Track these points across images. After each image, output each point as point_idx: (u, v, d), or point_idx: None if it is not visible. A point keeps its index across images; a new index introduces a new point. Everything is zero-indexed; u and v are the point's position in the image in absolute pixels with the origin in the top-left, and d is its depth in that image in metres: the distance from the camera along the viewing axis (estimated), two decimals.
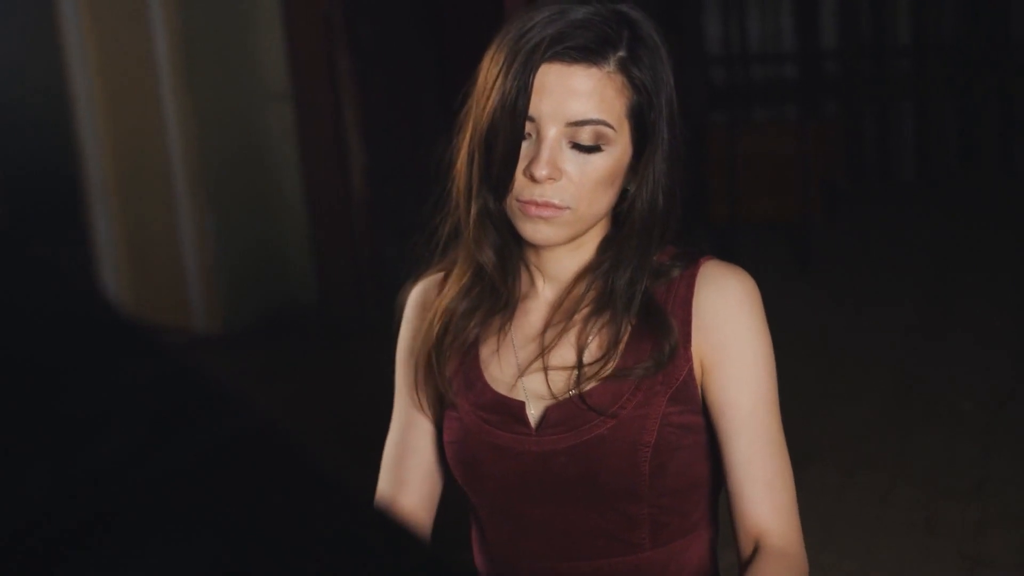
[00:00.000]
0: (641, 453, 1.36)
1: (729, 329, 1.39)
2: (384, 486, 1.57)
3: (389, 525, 0.60)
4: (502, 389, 1.45)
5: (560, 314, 1.44)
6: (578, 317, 1.43)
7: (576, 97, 1.33)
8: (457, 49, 5.80)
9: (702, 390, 1.41)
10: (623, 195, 1.41)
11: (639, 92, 1.36)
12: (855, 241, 6.88)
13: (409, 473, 1.55)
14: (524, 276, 1.48)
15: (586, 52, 1.33)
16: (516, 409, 1.43)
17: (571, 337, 1.43)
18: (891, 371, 4.72)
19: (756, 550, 1.36)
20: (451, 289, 1.49)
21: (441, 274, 1.54)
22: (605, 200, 1.38)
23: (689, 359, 1.40)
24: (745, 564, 1.36)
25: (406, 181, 5.65)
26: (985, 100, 8.04)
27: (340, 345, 5.43)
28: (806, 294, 5.92)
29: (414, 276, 1.58)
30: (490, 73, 1.36)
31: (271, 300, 5.94)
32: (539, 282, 1.47)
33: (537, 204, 1.34)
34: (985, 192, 7.80)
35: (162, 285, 5.85)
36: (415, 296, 1.57)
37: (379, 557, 0.57)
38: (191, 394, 0.61)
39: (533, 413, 1.42)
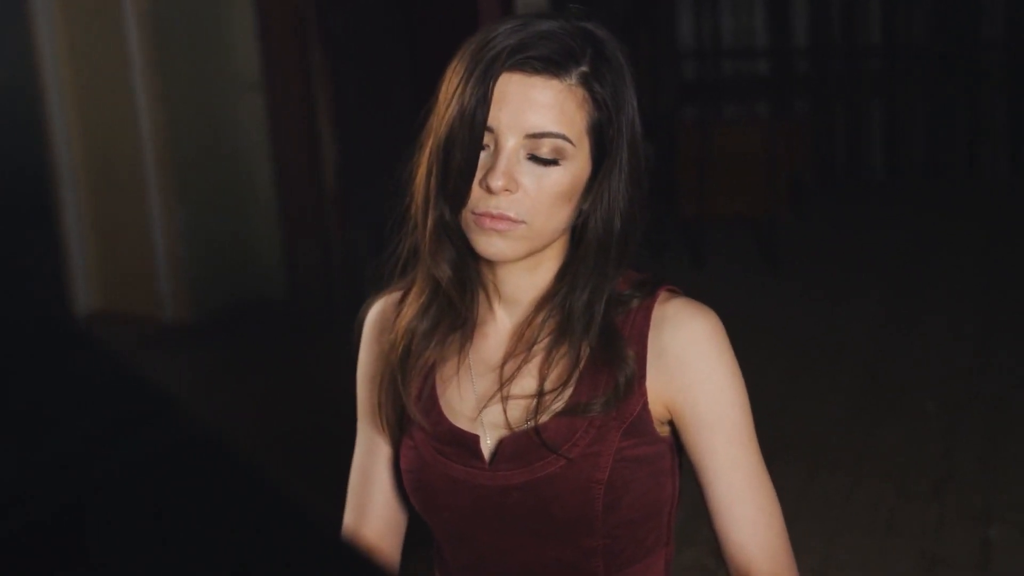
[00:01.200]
0: (595, 490, 1.35)
1: (694, 372, 1.37)
2: (349, 514, 1.55)
3: (325, 530, 0.62)
4: (458, 420, 1.43)
5: (520, 344, 1.41)
6: (537, 348, 1.40)
7: (536, 108, 1.30)
8: (431, 42, 5.80)
9: (679, 432, 1.40)
10: (580, 214, 1.38)
11: (600, 108, 1.33)
12: (823, 238, 6.92)
13: (372, 501, 1.54)
14: (482, 299, 1.45)
15: (548, 63, 1.30)
16: (471, 442, 1.41)
17: (530, 368, 1.40)
18: (857, 368, 4.76)
19: None
20: (410, 308, 1.45)
21: (399, 293, 1.50)
22: (561, 216, 1.35)
23: (644, 394, 1.37)
24: None
25: (378, 174, 5.64)
26: (954, 100, 8.10)
27: (309, 337, 5.43)
28: (773, 291, 5.96)
29: (371, 295, 1.55)
30: (451, 84, 1.33)
31: (241, 291, 5.93)
32: (496, 306, 1.44)
33: (492, 216, 1.31)
34: (952, 191, 7.87)
35: (132, 275, 5.83)
36: (372, 316, 1.54)
37: (311, 558, 0.59)
38: (138, 401, 0.63)
39: (488, 444, 1.41)
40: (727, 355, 1.39)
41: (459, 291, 1.42)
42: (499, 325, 1.44)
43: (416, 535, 1.60)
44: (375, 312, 1.54)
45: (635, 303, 1.40)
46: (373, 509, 1.54)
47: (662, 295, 1.41)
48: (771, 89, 7.89)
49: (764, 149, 6.58)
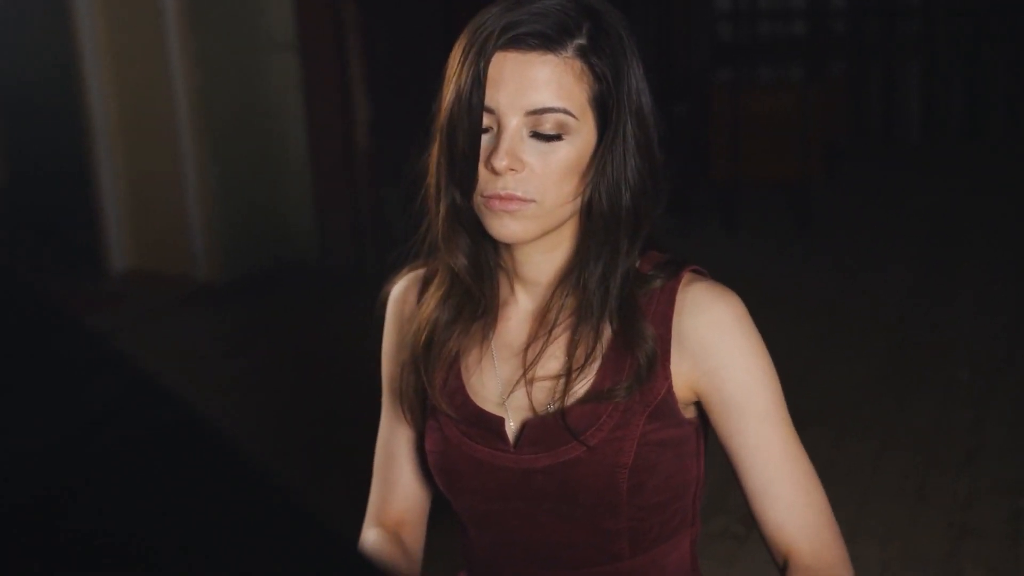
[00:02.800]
0: (619, 474, 1.35)
1: (721, 356, 1.35)
2: (375, 490, 1.57)
3: (299, 512, 0.63)
4: (483, 403, 1.43)
5: (542, 327, 1.40)
6: (558, 329, 1.39)
7: (534, 85, 1.28)
8: (464, 1, 5.77)
9: (709, 415, 1.39)
10: (587, 188, 1.35)
11: (600, 80, 1.31)
12: (856, 202, 6.87)
13: (397, 477, 1.55)
14: (503, 282, 1.44)
15: (542, 39, 1.28)
16: (496, 425, 1.41)
17: (553, 350, 1.39)
18: (887, 335, 4.74)
19: (785, 568, 1.36)
20: (432, 298, 1.45)
21: (423, 270, 1.51)
22: (571, 191, 1.33)
23: (668, 376, 1.36)
24: None
25: (410, 134, 5.64)
26: (993, 64, 8.00)
27: (340, 297, 5.45)
28: (805, 255, 5.93)
29: (396, 272, 1.54)
30: (450, 69, 1.32)
31: (272, 251, 5.95)
32: (517, 289, 1.43)
33: (501, 197, 1.30)
34: (990, 157, 7.78)
35: (165, 235, 5.87)
36: (396, 294, 1.54)
37: (283, 542, 0.60)
38: (125, 387, 0.63)
39: (512, 427, 1.41)
40: (752, 337, 1.37)
41: (476, 280, 1.41)
42: (520, 308, 1.44)
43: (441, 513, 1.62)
44: (398, 290, 1.54)
45: (659, 284, 1.38)
46: (398, 485, 1.55)
47: (686, 276, 1.39)
48: (807, 51, 7.81)
49: (798, 112, 6.53)
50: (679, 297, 1.38)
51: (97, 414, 0.61)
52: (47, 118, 5.96)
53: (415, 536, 1.56)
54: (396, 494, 1.55)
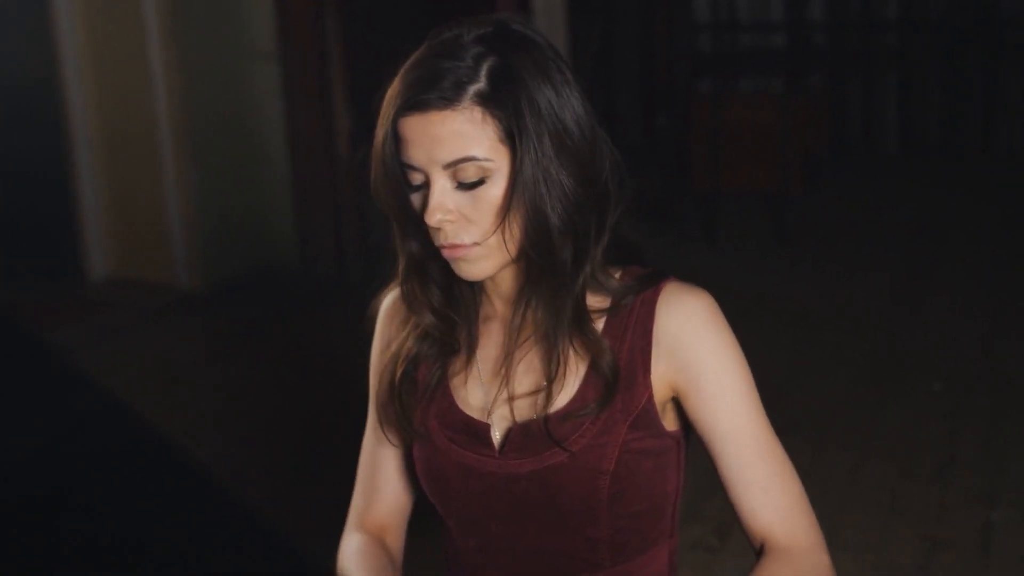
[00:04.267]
0: (600, 481, 1.39)
1: (694, 350, 1.40)
2: (358, 494, 1.61)
3: (254, 522, 0.65)
4: (469, 410, 1.47)
5: (518, 337, 1.45)
6: (529, 343, 1.44)
7: (439, 142, 1.34)
8: (447, 11, 5.78)
9: (686, 411, 1.43)
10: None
11: (507, 116, 1.34)
12: (836, 213, 6.92)
13: (381, 482, 1.59)
14: (485, 300, 1.50)
15: (438, 100, 1.34)
16: (482, 431, 1.46)
17: (530, 362, 1.44)
18: (865, 345, 4.78)
19: (761, 553, 1.41)
20: (411, 332, 1.50)
21: None
22: (511, 225, 1.37)
23: (649, 386, 1.40)
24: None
25: None
26: (970, 76, 8.06)
27: (322, 304, 5.46)
28: (785, 265, 5.97)
29: (385, 285, 1.58)
30: (376, 138, 1.40)
31: (253, 258, 5.96)
32: (498, 304, 1.48)
33: (446, 247, 1.37)
34: (967, 167, 7.84)
35: (146, 242, 5.87)
36: (384, 309, 1.58)
37: (239, 550, 0.62)
38: (85, 405, 0.64)
39: (497, 435, 1.45)
40: (723, 330, 1.42)
41: (447, 331, 1.47)
42: (502, 320, 1.48)
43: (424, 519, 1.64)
44: (387, 304, 1.58)
45: (637, 297, 1.43)
46: (382, 491, 1.59)
47: (666, 287, 1.43)
48: (787, 63, 7.85)
49: (778, 123, 6.57)
50: (658, 306, 1.42)
51: (57, 431, 0.62)
52: (27, 124, 5.95)
53: (397, 541, 1.60)
54: (380, 500, 1.59)
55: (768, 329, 4.99)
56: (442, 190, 1.35)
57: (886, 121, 8.33)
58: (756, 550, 1.42)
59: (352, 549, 1.54)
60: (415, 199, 1.39)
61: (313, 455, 3.95)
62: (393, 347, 1.53)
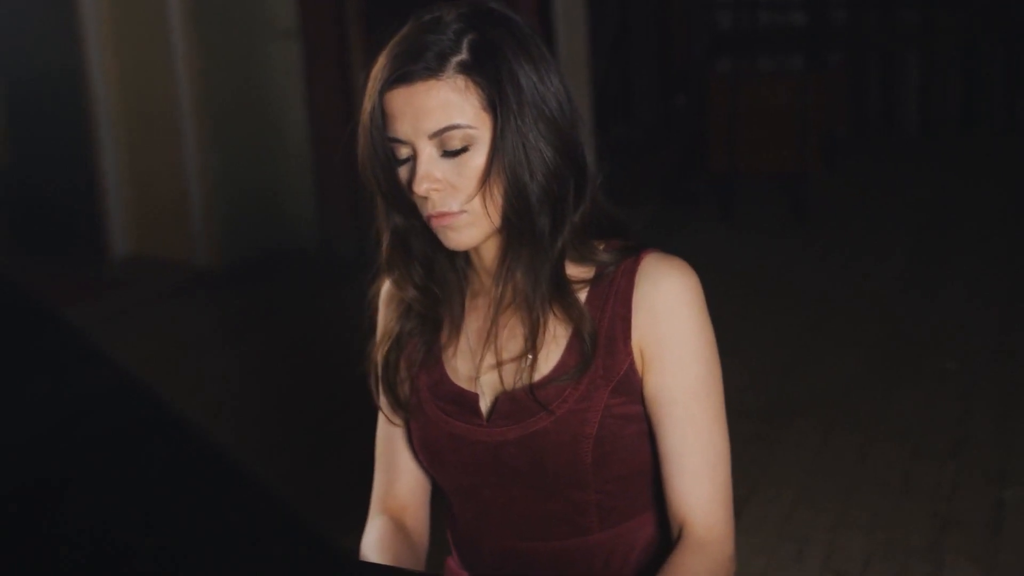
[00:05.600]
0: (583, 444, 1.44)
1: (667, 324, 1.44)
2: (378, 476, 1.65)
3: (275, 505, 0.66)
4: (459, 381, 1.52)
5: (501, 307, 1.49)
6: (512, 309, 1.48)
7: (425, 111, 1.39)
8: None
9: (645, 382, 1.47)
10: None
11: (488, 88, 1.40)
12: (854, 194, 6.91)
13: (399, 461, 1.63)
14: (472, 275, 1.54)
15: (422, 71, 1.39)
16: (471, 400, 1.51)
17: (514, 327, 1.49)
18: (878, 326, 4.79)
19: (678, 538, 1.45)
20: (393, 311, 1.56)
21: None
22: (492, 191, 1.42)
23: (629, 353, 1.45)
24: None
25: None
26: (991, 56, 8.02)
27: (340, 283, 5.49)
28: (801, 246, 5.98)
29: (380, 271, 1.60)
30: (361, 114, 1.44)
31: (272, 237, 6.00)
32: (484, 277, 1.53)
33: (435, 216, 1.42)
34: (987, 148, 7.81)
35: (166, 220, 5.91)
36: (386, 292, 1.61)
37: (259, 535, 0.63)
38: (102, 382, 0.65)
39: (486, 404, 1.50)
40: (697, 310, 1.45)
41: (429, 304, 1.52)
42: (487, 293, 1.53)
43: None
44: (386, 291, 1.61)
45: (618, 267, 1.47)
46: (400, 471, 1.63)
47: (646, 257, 1.47)
48: (806, 42, 7.83)
49: (796, 103, 6.55)
50: (638, 275, 1.46)
51: (74, 409, 0.63)
52: (50, 104, 6.00)
53: (419, 518, 1.64)
54: (399, 479, 1.63)
55: (782, 310, 5.00)
56: (429, 159, 1.40)
57: (906, 101, 8.30)
58: (674, 531, 1.46)
59: (372, 539, 1.58)
60: (401, 172, 1.44)
61: (332, 435, 3.99)
62: (383, 328, 1.59)
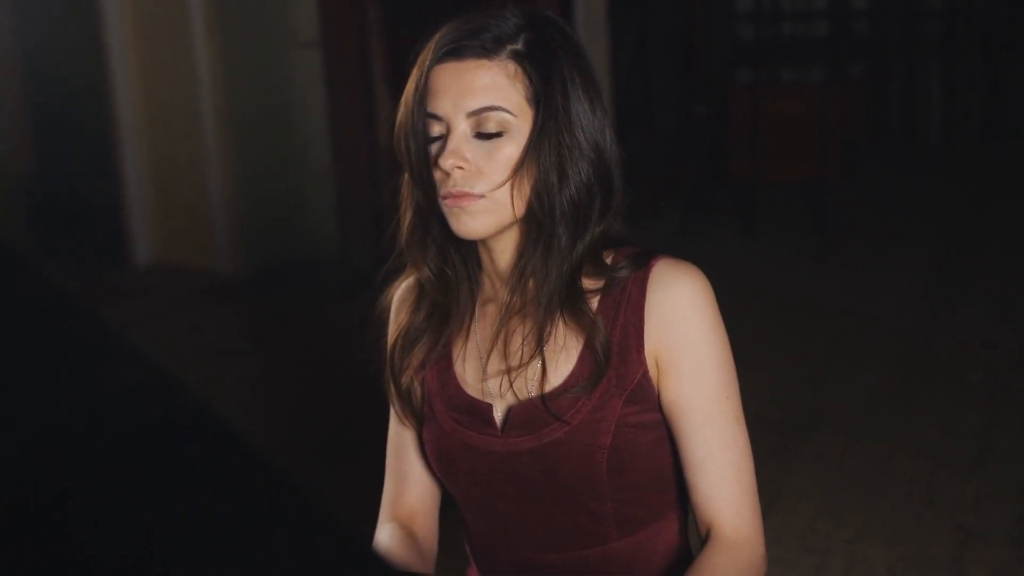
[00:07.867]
0: (597, 455, 1.43)
1: (681, 330, 1.43)
2: (388, 484, 1.65)
3: (311, 508, 0.66)
4: (471, 391, 1.52)
5: (511, 313, 1.48)
6: (517, 319, 1.48)
7: (471, 89, 1.40)
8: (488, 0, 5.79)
9: (658, 389, 1.46)
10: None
11: (536, 81, 1.41)
12: (875, 205, 6.89)
13: (409, 468, 1.63)
14: (484, 280, 1.54)
15: (477, 48, 1.40)
16: (484, 411, 1.50)
17: (525, 335, 1.48)
18: (900, 338, 4.77)
19: (706, 540, 1.44)
20: (405, 305, 1.57)
21: (415, 277, 1.58)
22: (517, 186, 1.42)
23: (643, 362, 1.44)
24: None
25: None
26: (1013, 66, 8.00)
27: (360, 292, 5.49)
28: (822, 257, 5.96)
29: (394, 276, 1.62)
30: (407, 86, 1.45)
31: (294, 246, 6.02)
32: (497, 284, 1.52)
33: (453, 195, 1.41)
34: (1009, 159, 7.78)
35: (188, 229, 5.94)
36: (398, 297, 1.62)
37: (294, 538, 0.63)
38: (137, 379, 0.65)
39: (499, 414, 1.50)
40: (710, 313, 1.44)
41: (443, 290, 1.52)
42: (499, 299, 1.52)
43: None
44: (399, 293, 1.62)
45: (628, 274, 1.46)
46: (409, 479, 1.63)
47: (657, 264, 1.47)
48: (828, 52, 7.82)
49: (818, 113, 6.55)
50: (649, 282, 1.45)
51: (109, 405, 0.63)
52: (74, 112, 6.04)
53: (428, 527, 1.63)
54: (408, 487, 1.63)
55: (803, 321, 4.99)
56: (462, 136, 1.40)
57: (928, 111, 8.27)
58: (701, 534, 1.46)
59: (381, 546, 1.57)
60: (432, 149, 1.44)
61: (351, 442, 4.00)
62: (395, 328, 1.59)
